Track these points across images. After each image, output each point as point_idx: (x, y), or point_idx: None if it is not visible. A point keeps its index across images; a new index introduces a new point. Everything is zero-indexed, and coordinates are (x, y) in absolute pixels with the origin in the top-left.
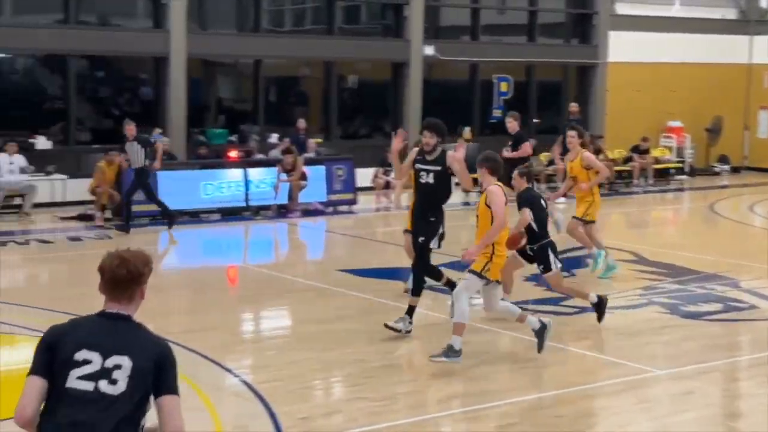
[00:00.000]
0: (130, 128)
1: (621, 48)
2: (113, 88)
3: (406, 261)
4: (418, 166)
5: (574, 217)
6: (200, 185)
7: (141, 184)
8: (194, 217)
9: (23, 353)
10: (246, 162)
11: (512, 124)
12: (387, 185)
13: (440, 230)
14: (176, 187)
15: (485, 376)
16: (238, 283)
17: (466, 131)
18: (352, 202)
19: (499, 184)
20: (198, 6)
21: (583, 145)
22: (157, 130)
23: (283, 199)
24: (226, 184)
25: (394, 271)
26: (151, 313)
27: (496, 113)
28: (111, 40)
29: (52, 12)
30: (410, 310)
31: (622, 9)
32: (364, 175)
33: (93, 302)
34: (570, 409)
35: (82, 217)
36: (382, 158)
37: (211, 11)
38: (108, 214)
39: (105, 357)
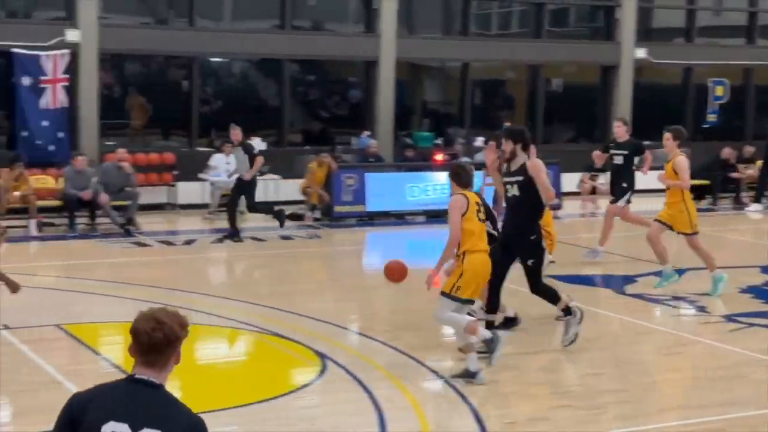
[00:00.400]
0: (235, 133)
1: None
2: (324, 90)
3: (612, 268)
4: (503, 179)
5: (681, 233)
6: (406, 187)
7: (243, 191)
8: (399, 218)
9: (236, 347)
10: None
11: (620, 130)
12: (593, 191)
13: (542, 246)
14: (382, 189)
15: (701, 388)
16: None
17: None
18: (557, 206)
19: (464, 193)
20: (407, 10)
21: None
22: (365, 133)
23: (488, 203)
24: (432, 186)
25: (599, 278)
26: (355, 312)
27: (711, 118)
28: (324, 44)
29: (268, 17)
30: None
31: None
32: (570, 180)
33: (300, 299)
34: None
35: (292, 216)
36: (589, 163)
37: (419, 15)
38: (317, 213)
39: (135, 429)
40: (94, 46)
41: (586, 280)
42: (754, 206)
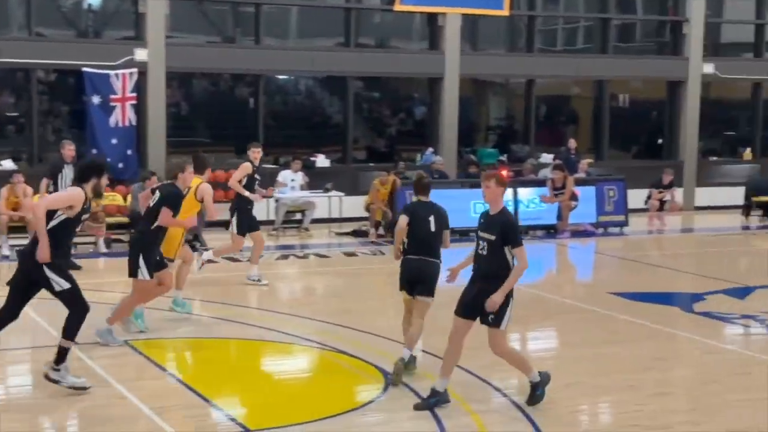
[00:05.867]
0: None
1: None
2: (388, 107)
3: (680, 286)
4: None
5: None
6: (470, 204)
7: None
8: (464, 235)
9: (301, 363)
10: (516, 181)
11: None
12: (661, 207)
13: None
14: (447, 206)
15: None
16: None
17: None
18: (623, 223)
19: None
20: (471, 27)
21: None
22: (429, 149)
23: (552, 220)
24: None
25: (666, 295)
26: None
27: None
28: (388, 61)
29: (333, 35)
30: None
31: None
32: (637, 197)
33: (364, 316)
34: None
35: (356, 233)
36: (656, 179)
37: (484, 32)
38: (381, 230)
39: None
40: (161, 65)
41: (654, 298)
42: None
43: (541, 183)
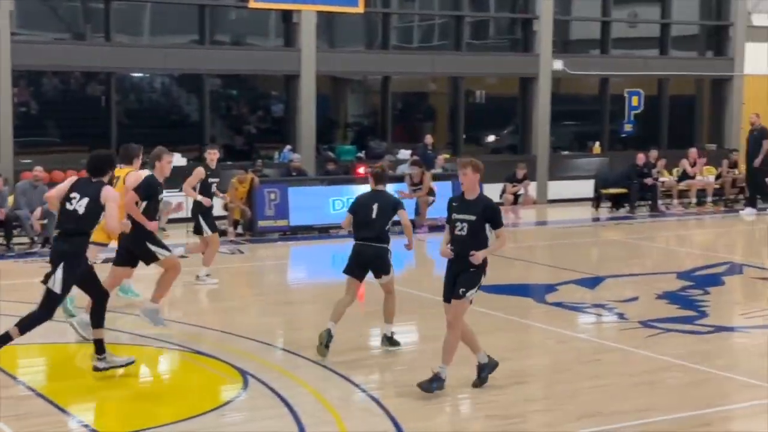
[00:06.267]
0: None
1: (758, 60)
2: (246, 105)
3: (534, 277)
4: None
5: None
6: (329, 201)
7: None
8: (323, 232)
9: (157, 365)
10: None
11: None
12: (516, 201)
13: None
14: (305, 203)
15: (618, 395)
16: (365, 298)
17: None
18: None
19: None
20: (327, 24)
21: None
22: (287, 147)
23: (410, 215)
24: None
25: (521, 287)
26: (280, 327)
27: (628, 128)
28: (244, 59)
29: (187, 33)
30: None
31: (758, 20)
32: (492, 191)
33: (223, 316)
34: (706, 431)
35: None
36: (510, 174)
37: (340, 29)
38: (240, 229)
39: None
40: (7, 63)
41: (509, 290)
42: (748, 210)
43: (399, 179)
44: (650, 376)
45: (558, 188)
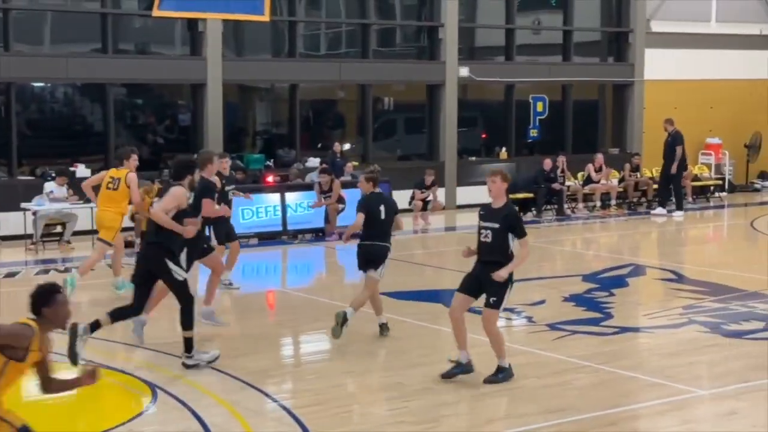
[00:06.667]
0: None
1: (658, 66)
2: (152, 115)
3: (445, 283)
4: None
5: None
6: (238, 210)
7: None
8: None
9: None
10: (283, 187)
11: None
12: (425, 207)
13: None
14: None
15: (527, 397)
16: (276, 307)
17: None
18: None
19: None
20: (234, 32)
21: None
22: (195, 156)
23: (320, 223)
24: (264, 208)
25: (433, 293)
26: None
27: (533, 133)
28: (149, 67)
29: (90, 41)
30: None
31: (657, 27)
32: (402, 198)
33: (130, 328)
34: (612, 431)
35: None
36: (419, 180)
37: (247, 37)
38: None
39: None
40: None
41: (420, 296)
42: (659, 210)
43: (308, 187)
44: (558, 378)
45: (466, 194)
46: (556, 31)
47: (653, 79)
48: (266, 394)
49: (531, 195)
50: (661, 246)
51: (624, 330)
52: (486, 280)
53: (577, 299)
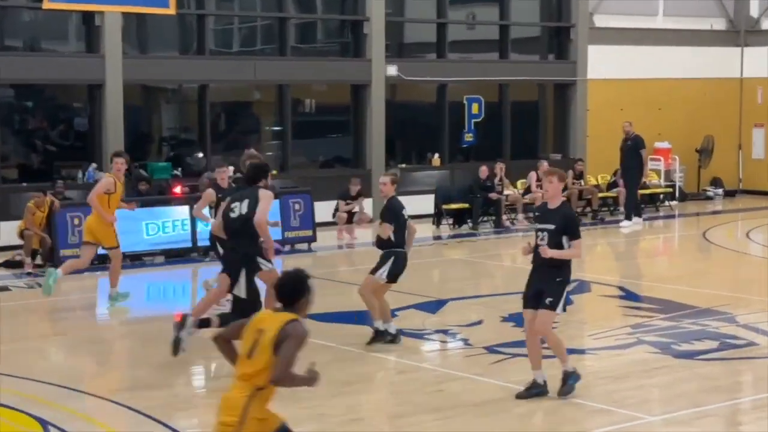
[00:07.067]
0: None
1: (602, 64)
2: (43, 119)
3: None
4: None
5: None
6: (142, 225)
7: None
8: (136, 260)
9: None
10: (192, 198)
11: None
12: (350, 219)
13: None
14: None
15: (463, 427)
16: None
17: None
18: (311, 239)
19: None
20: (136, 28)
21: None
22: (93, 165)
23: None
24: (171, 223)
25: (359, 314)
26: (87, 369)
27: (468, 137)
28: (40, 66)
29: None
30: None
31: (601, 21)
32: (325, 209)
33: (20, 359)
34: None
35: (9, 264)
36: (344, 190)
37: (151, 33)
38: (39, 259)
39: None
40: None
41: (344, 318)
42: (626, 222)
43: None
44: (496, 406)
45: None
46: (492, 26)
47: (597, 78)
48: (174, 430)
49: (466, 205)
50: (607, 260)
51: (568, 352)
52: (543, 282)
53: (517, 319)
